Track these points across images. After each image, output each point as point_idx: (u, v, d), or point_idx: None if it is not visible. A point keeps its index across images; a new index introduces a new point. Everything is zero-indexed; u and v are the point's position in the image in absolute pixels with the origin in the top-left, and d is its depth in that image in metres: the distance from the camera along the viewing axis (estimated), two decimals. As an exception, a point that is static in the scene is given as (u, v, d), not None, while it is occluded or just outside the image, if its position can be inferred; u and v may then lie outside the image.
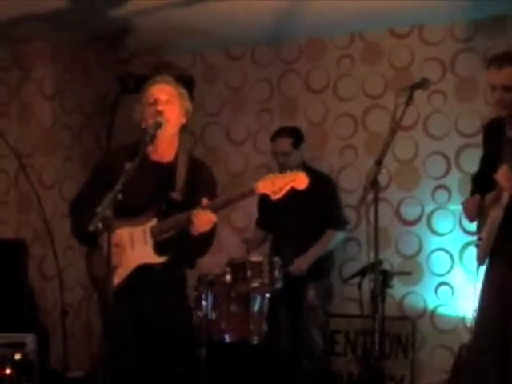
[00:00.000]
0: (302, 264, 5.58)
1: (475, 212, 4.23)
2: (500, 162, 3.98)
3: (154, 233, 3.88)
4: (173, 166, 3.97)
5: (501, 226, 4.03)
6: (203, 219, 3.76)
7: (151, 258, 3.89)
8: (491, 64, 4.09)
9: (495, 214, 4.06)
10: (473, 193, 4.38)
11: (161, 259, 3.89)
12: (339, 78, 6.43)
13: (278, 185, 3.72)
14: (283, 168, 5.75)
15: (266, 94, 6.70)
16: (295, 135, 5.81)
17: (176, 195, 3.92)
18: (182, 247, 3.91)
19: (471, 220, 4.31)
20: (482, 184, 4.25)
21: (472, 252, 4.47)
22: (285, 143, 5.75)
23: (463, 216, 4.43)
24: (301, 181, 3.74)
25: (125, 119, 4.88)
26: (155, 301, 3.91)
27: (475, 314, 4.25)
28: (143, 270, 3.89)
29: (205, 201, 3.78)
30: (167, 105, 3.88)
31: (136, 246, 3.90)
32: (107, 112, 6.73)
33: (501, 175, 3.96)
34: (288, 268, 5.49)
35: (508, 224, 4.01)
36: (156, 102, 3.88)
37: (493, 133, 4.27)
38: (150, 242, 3.88)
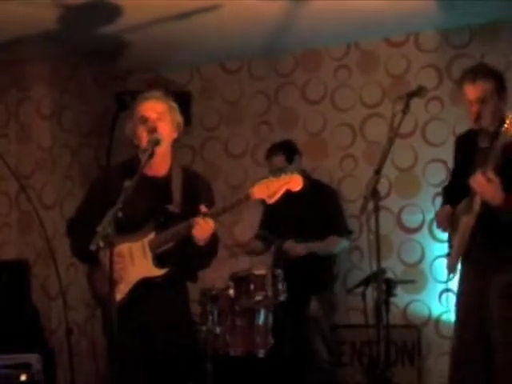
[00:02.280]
0: (299, 248, 5.54)
1: (446, 221, 4.29)
2: (472, 171, 3.99)
3: (153, 246, 3.88)
4: (168, 180, 3.98)
5: (472, 233, 4.07)
6: (202, 227, 3.76)
7: (151, 271, 3.88)
8: (465, 79, 4.14)
9: (466, 221, 4.09)
10: (444, 203, 4.43)
11: (160, 272, 3.88)
12: (336, 88, 6.44)
13: (273, 188, 3.70)
14: None
15: (263, 106, 6.71)
16: (287, 151, 5.76)
17: (173, 207, 3.91)
18: (183, 259, 3.91)
19: (443, 230, 4.36)
20: (453, 195, 4.29)
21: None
22: (279, 160, 5.72)
23: (435, 226, 4.49)
24: (295, 183, 3.71)
25: (123, 136, 4.85)
26: (157, 314, 3.90)
27: (453, 325, 4.30)
28: (144, 285, 3.88)
29: (203, 208, 3.78)
30: (158, 123, 3.89)
31: (135, 261, 3.90)
32: (106, 130, 6.74)
33: (475, 180, 3.94)
34: (284, 245, 5.52)
35: (480, 231, 4.05)
36: (147, 121, 3.89)
37: (464, 145, 4.34)
38: (149, 255, 3.88)
